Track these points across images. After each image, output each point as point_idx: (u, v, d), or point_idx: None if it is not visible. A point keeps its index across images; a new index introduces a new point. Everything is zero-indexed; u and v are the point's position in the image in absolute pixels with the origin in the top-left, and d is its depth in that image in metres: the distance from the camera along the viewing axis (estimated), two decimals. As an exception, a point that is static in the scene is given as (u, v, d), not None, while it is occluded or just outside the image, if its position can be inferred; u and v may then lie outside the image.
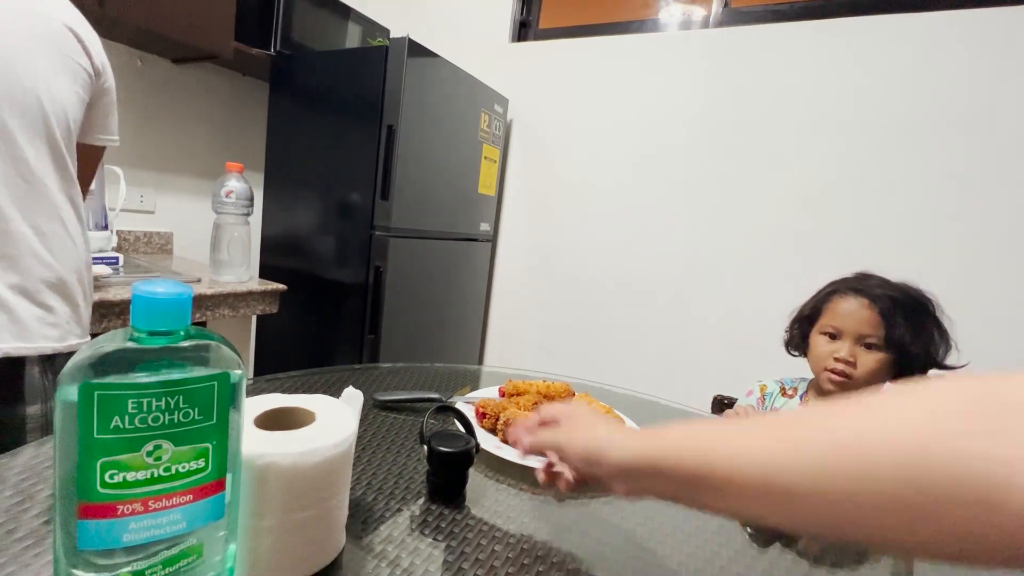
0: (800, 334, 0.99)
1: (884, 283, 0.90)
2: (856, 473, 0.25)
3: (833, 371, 0.89)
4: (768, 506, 0.28)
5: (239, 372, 0.30)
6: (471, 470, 0.52)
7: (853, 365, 0.88)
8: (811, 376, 1.00)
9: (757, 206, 1.65)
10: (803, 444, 0.27)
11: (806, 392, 1.00)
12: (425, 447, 0.50)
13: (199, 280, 1.20)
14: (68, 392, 0.25)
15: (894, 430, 0.25)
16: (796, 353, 1.01)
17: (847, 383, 0.88)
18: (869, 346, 0.88)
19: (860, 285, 0.91)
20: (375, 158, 1.49)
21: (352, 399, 0.44)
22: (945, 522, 0.22)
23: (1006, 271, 1.35)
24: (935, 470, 0.22)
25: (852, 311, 0.89)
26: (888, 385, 0.92)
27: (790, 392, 1.01)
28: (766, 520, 0.29)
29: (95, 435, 0.25)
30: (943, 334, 0.87)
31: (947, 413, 0.24)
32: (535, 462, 0.57)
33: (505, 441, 0.61)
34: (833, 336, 0.91)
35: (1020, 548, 0.21)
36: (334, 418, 0.39)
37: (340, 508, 0.39)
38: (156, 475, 0.27)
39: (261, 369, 1.85)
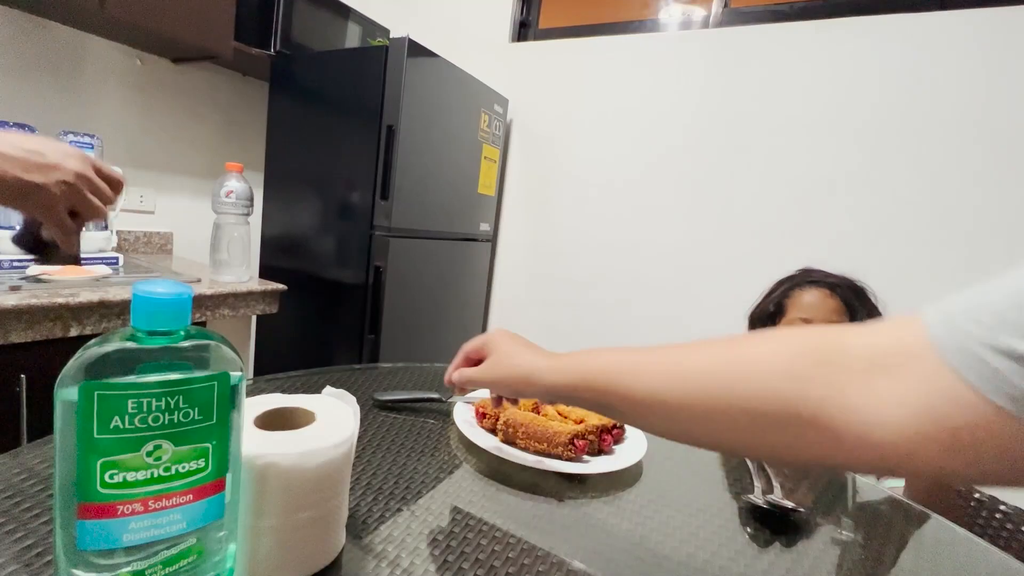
0: None
1: (829, 274, 0.98)
2: (713, 399, 0.34)
3: None
4: (654, 418, 0.37)
5: (239, 372, 0.30)
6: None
7: None
8: None
9: (758, 206, 1.65)
10: (680, 373, 0.36)
11: None
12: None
13: (199, 280, 1.20)
14: (68, 392, 0.25)
15: (743, 369, 0.33)
16: None
17: None
18: None
19: (813, 277, 0.98)
20: (375, 158, 1.49)
21: (341, 395, 0.44)
22: (767, 436, 0.32)
23: (1002, 269, 1.34)
24: (763, 401, 0.31)
25: (817, 302, 0.95)
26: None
27: None
28: (655, 428, 0.38)
29: (95, 435, 0.25)
30: (880, 316, 0.94)
31: (781, 359, 0.32)
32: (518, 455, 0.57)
33: (505, 441, 0.61)
34: None
35: (841, 457, 0.29)
36: (334, 418, 0.39)
37: (340, 508, 0.39)
38: (156, 475, 0.27)
39: (261, 369, 1.85)
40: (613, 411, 0.40)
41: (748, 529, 0.52)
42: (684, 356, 0.37)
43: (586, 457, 0.59)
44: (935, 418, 0.25)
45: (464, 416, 0.66)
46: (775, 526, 0.52)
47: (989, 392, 0.23)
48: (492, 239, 2.12)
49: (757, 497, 0.55)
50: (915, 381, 0.26)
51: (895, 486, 0.87)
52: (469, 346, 0.54)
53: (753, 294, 1.68)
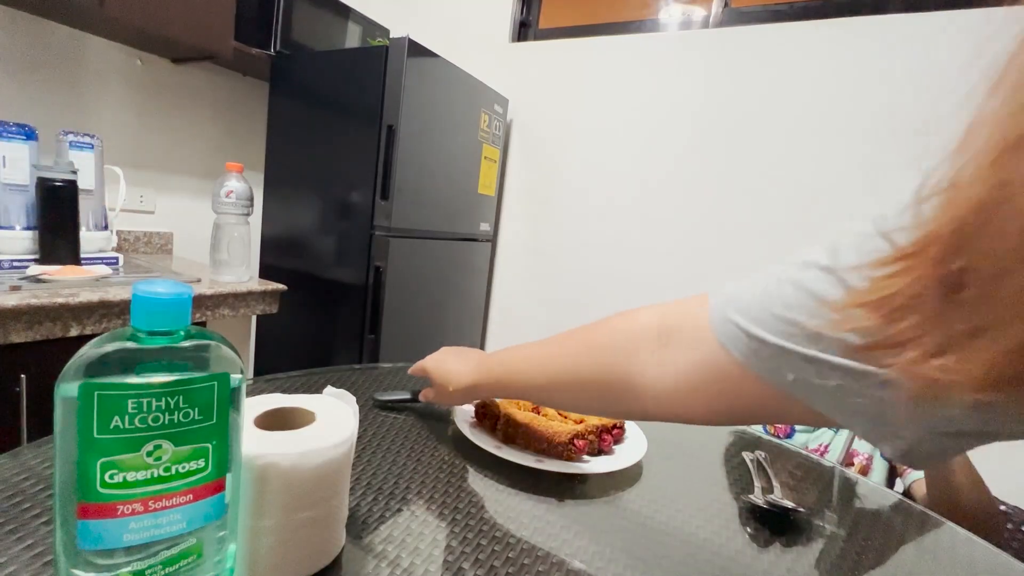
0: None
1: None
2: (564, 379, 0.46)
3: None
4: (536, 396, 0.50)
5: (239, 372, 0.30)
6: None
7: None
8: None
9: (757, 205, 1.65)
10: (544, 362, 0.48)
11: None
12: None
13: (199, 280, 1.20)
14: (68, 392, 0.25)
15: (577, 358, 0.45)
16: None
17: None
18: None
19: None
20: (375, 158, 1.49)
21: (341, 395, 0.44)
22: (604, 400, 0.43)
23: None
24: (591, 376, 0.43)
25: None
26: None
27: None
28: (541, 403, 0.52)
29: (95, 435, 0.25)
30: None
31: (601, 342, 0.43)
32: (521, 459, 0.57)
33: (505, 441, 0.61)
34: None
35: (645, 413, 0.40)
36: (334, 418, 0.39)
37: (340, 508, 0.39)
38: (156, 475, 0.27)
39: (261, 369, 1.85)
40: (517, 397, 0.53)
41: (748, 529, 0.52)
42: (546, 349, 0.48)
43: (586, 457, 0.59)
44: (709, 379, 0.35)
45: (464, 416, 0.66)
46: (775, 526, 0.53)
47: (747, 363, 0.32)
48: (492, 239, 2.12)
49: (757, 497, 0.55)
50: (694, 352, 0.35)
51: (917, 478, 0.86)
52: (415, 367, 0.65)
53: (753, 294, 1.69)
